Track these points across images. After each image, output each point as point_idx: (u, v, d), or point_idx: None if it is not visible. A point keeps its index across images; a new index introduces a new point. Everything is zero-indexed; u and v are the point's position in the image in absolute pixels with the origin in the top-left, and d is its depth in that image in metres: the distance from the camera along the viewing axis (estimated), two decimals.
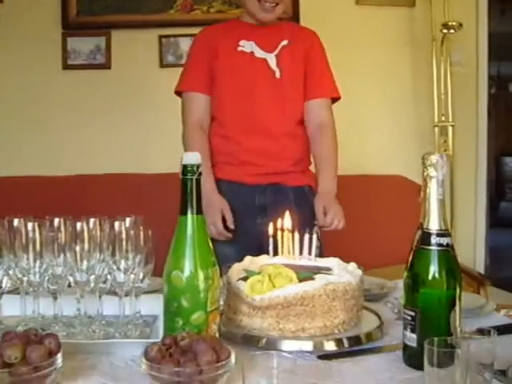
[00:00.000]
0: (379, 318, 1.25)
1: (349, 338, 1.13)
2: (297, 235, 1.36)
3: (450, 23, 3.04)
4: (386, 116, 3.29)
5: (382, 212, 2.94)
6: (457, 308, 1.02)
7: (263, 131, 2.05)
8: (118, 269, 1.16)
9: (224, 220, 1.98)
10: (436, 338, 0.88)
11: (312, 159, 2.16)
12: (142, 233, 1.17)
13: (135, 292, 1.19)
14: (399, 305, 1.29)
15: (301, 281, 1.15)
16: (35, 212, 1.18)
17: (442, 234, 1.02)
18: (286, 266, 1.22)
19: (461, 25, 3.03)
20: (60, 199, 2.72)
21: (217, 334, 1.05)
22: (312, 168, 2.17)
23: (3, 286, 1.20)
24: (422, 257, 1.03)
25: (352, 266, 1.28)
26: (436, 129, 3.21)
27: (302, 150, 2.13)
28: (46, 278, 1.16)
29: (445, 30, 3.07)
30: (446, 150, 3.16)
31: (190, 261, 1.02)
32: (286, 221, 1.35)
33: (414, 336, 1.02)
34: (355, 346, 1.13)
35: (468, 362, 0.86)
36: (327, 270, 1.25)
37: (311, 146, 2.13)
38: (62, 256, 1.15)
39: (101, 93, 3.22)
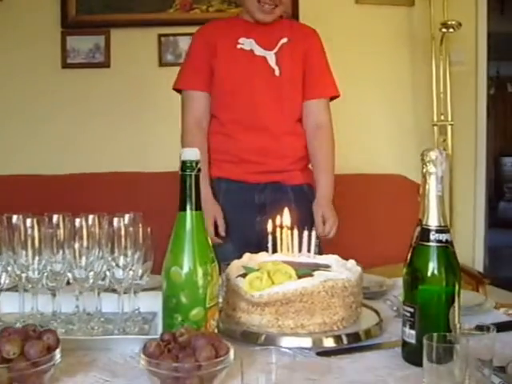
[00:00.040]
0: (378, 315, 1.25)
1: (348, 335, 1.13)
2: (296, 233, 1.36)
3: (449, 22, 3.04)
4: (385, 115, 3.29)
5: (381, 211, 2.94)
6: (456, 304, 1.02)
7: (262, 129, 2.05)
8: (117, 265, 1.16)
9: (216, 226, 2.01)
10: (435, 334, 0.88)
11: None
12: (140, 230, 1.16)
13: (134, 289, 1.19)
14: (398, 302, 1.29)
15: (300, 277, 1.15)
16: (34, 210, 1.18)
17: (441, 230, 1.02)
18: (285, 262, 1.21)
19: (460, 24, 3.03)
20: (59, 198, 2.72)
21: (215, 330, 1.05)
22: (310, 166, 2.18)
23: (2, 282, 1.19)
24: (421, 253, 1.03)
25: (351, 262, 1.28)
26: (435, 128, 3.21)
27: (301, 148, 2.13)
28: (45, 274, 1.16)
29: (444, 29, 3.06)
30: (445, 150, 3.16)
31: (189, 257, 1.02)
32: (285, 218, 1.35)
33: (413, 332, 1.02)
34: (354, 343, 1.13)
35: (467, 358, 0.86)
36: (326, 267, 1.25)
37: (308, 145, 2.13)
38: (60, 253, 1.15)
39: (100, 92, 3.22)
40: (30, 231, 1.14)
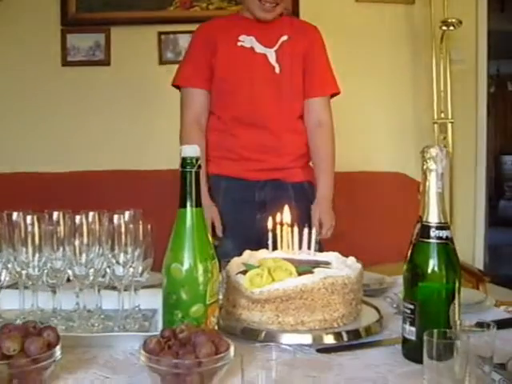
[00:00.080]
0: (378, 312, 1.25)
1: (348, 332, 1.13)
2: (296, 230, 1.35)
3: (449, 20, 3.04)
4: (386, 113, 3.29)
5: (381, 209, 2.94)
6: (456, 301, 1.01)
7: (263, 127, 2.05)
8: (117, 262, 1.16)
9: (213, 226, 2.02)
10: (435, 331, 0.88)
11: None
12: (141, 227, 1.16)
13: (134, 286, 1.19)
14: (398, 300, 1.29)
15: (300, 274, 1.15)
16: (34, 208, 1.18)
17: (441, 226, 1.02)
18: (286, 260, 1.21)
19: (460, 22, 3.03)
20: (59, 195, 2.72)
21: (216, 327, 1.05)
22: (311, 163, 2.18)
23: (2, 279, 1.19)
24: (422, 250, 1.03)
25: (351, 259, 1.28)
26: (435, 126, 3.21)
27: (302, 145, 2.14)
28: (45, 271, 1.16)
29: (444, 27, 3.06)
30: (445, 147, 3.16)
31: (190, 253, 1.02)
32: (286, 215, 1.35)
33: (413, 329, 1.02)
34: (354, 340, 1.13)
35: (467, 355, 0.86)
36: (326, 264, 1.25)
37: (309, 143, 2.14)
38: (60, 250, 1.15)
39: (100, 89, 3.22)
40: (30, 228, 1.14)
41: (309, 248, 1.35)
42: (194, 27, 2.22)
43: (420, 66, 3.26)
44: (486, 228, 3.54)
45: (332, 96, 2.17)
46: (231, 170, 2.08)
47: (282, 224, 1.35)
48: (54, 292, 1.18)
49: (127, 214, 1.19)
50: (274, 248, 1.35)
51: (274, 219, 1.35)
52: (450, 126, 3.21)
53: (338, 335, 1.13)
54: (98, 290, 1.19)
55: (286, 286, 1.12)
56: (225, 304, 1.21)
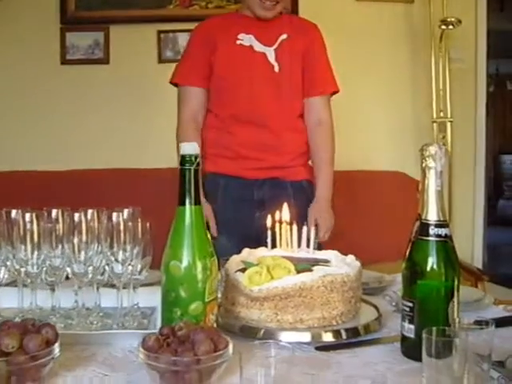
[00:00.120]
0: (377, 310, 1.25)
1: (347, 330, 1.13)
2: (295, 228, 1.35)
3: (448, 19, 3.03)
4: (385, 112, 3.29)
5: (380, 208, 2.94)
6: (455, 299, 1.02)
7: (262, 125, 2.05)
8: (116, 260, 1.16)
9: (208, 226, 2.02)
10: (434, 328, 0.88)
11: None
12: (139, 224, 1.16)
13: (133, 284, 1.19)
14: (397, 298, 1.29)
15: (299, 272, 1.15)
16: (33, 207, 1.18)
17: (440, 224, 1.02)
18: (285, 258, 1.21)
19: (460, 21, 3.03)
20: (58, 194, 2.71)
21: (214, 325, 1.05)
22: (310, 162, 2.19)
23: (1, 277, 1.19)
24: (421, 248, 1.03)
25: (350, 258, 1.28)
26: (434, 125, 3.21)
27: (302, 144, 2.14)
28: (44, 269, 1.16)
29: (443, 26, 3.06)
30: (444, 145, 3.16)
31: (188, 251, 1.02)
32: (285, 213, 1.35)
33: (412, 327, 1.02)
34: (353, 338, 1.13)
35: (466, 353, 0.86)
36: (325, 262, 1.25)
37: (309, 142, 2.14)
38: (59, 247, 1.15)
39: (99, 88, 3.22)
40: (29, 226, 1.14)
41: (308, 246, 1.35)
42: (193, 26, 2.22)
43: (419, 64, 3.26)
44: (485, 227, 3.54)
45: (332, 94, 2.17)
46: (229, 168, 2.08)
47: (280, 222, 1.35)
48: (53, 290, 1.18)
49: (126, 211, 1.19)
50: (273, 246, 1.35)
51: (272, 217, 1.35)
52: (449, 125, 3.20)
53: (336, 333, 1.13)
54: (97, 288, 1.19)
55: (284, 284, 1.12)
56: (223, 302, 1.21)
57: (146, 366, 0.90)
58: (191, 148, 1.03)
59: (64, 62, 3.21)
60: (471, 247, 3.40)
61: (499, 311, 1.33)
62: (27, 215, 1.15)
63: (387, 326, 1.21)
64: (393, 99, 3.29)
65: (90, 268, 1.16)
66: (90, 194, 2.74)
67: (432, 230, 1.02)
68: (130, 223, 1.16)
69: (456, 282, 1.02)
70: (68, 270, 1.16)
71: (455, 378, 0.85)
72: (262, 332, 1.11)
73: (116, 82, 3.21)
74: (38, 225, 1.15)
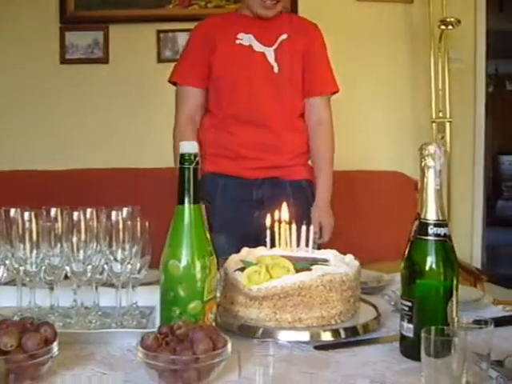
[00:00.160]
0: (376, 309, 1.25)
1: (345, 329, 1.13)
2: (294, 227, 1.35)
3: (448, 19, 3.03)
4: (384, 112, 3.29)
5: (379, 208, 2.94)
6: (454, 299, 1.02)
7: (261, 125, 2.05)
8: (115, 259, 1.16)
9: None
10: (433, 327, 0.88)
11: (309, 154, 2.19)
12: (138, 223, 1.16)
13: (132, 283, 1.19)
14: (396, 297, 1.28)
15: (298, 271, 1.15)
16: (32, 206, 1.18)
17: (439, 224, 1.02)
18: (283, 257, 1.21)
19: (459, 21, 3.02)
20: (57, 193, 2.70)
21: (213, 324, 1.05)
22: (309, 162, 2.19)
23: (0, 275, 1.19)
24: (419, 247, 1.03)
25: (349, 257, 1.28)
26: (434, 125, 3.21)
27: (302, 144, 2.14)
28: (43, 268, 1.16)
29: (443, 27, 3.06)
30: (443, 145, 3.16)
31: (187, 250, 1.02)
32: (284, 212, 1.35)
33: (411, 326, 1.02)
34: (352, 337, 1.13)
35: (465, 352, 0.86)
36: (324, 261, 1.25)
37: (310, 142, 2.15)
38: (58, 246, 1.15)
39: (98, 87, 3.22)
40: (27, 224, 1.14)
41: (307, 245, 1.35)
42: (192, 25, 2.21)
43: (418, 64, 3.26)
44: (484, 228, 3.54)
45: (332, 94, 2.17)
46: (228, 168, 2.08)
47: (280, 222, 1.35)
48: (52, 289, 1.18)
49: (125, 210, 1.19)
50: (272, 245, 1.35)
51: (272, 217, 1.35)
52: (448, 125, 3.20)
53: (335, 332, 1.13)
54: (96, 287, 1.19)
55: (283, 283, 1.12)
56: (222, 301, 1.21)
57: (144, 364, 0.90)
58: (190, 147, 1.03)
59: (63, 61, 3.22)
60: (470, 248, 3.40)
61: (498, 311, 1.33)
62: (26, 214, 1.15)
63: (386, 325, 1.21)
64: (392, 99, 3.29)
65: (89, 267, 1.16)
66: (89, 193, 2.74)
67: (431, 230, 1.01)
68: (128, 222, 1.16)
69: (455, 282, 1.02)
70: (67, 268, 1.16)
71: (454, 378, 0.85)
72: (261, 331, 1.11)
73: (115, 82, 3.21)
74: (37, 224, 1.15)
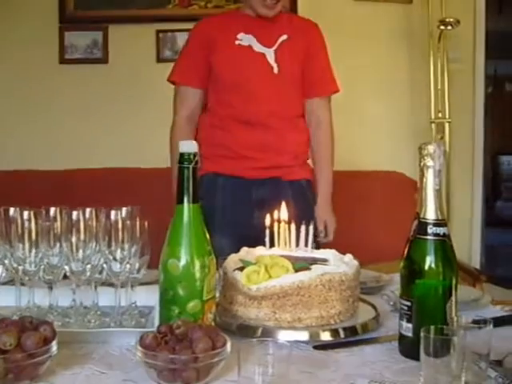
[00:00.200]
0: (375, 309, 1.25)
1: (345, 329, 1.14)
2: (293, 227, 1.35)
3: (447, 19, 3.03)
4: (383, 112, 3.29)
5: (378, 208, 2.95)
6: (453, 298, 1.02)
7: (261, 125, 2.05)
8: (114, 259, 1.16)
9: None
10: (432, 327, 0.88)
11: (309, 154, 2.19)
12: (138, 223, 1.16)
13: (131, 282, 1.19)
14: (395, 297, 1.28)
15: (297, 271, 1.15)
16: (32, 206, 1.18)
17: (438, 223, 1.02)
18: (283, 256, 1.21)
19: (458, 21, 3.02)
20: (57, 194, 2.70)
21: (212, 323, 1.05)
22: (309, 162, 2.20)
23: None
24: (419, 246, 1.03)
25: (348, 257, 1.28)
26: (433, 125, 3.21)
27: (301, 144, 2.15)
28: (42, 267, 1.16)
29: (442, 27, 3.06)
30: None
31: (187, 249, 1.02)
32: (283, 212, 1.35)
33: (410, 326, 1.02)
34: (351, 337, 1.13)
35: (464, 352, 0.86)
36: (323, 261, 1.25)
37: (310, 142, 2.16)
38: (57, 246, 1.15)
39: (98, 87, 3.22)
40: (26, 224, 1.14)
41: (306, 245, 1.35)
42: (192, 25, 2.21)
43: (417, 65, 3.26)
44: (483, 228, 3.54)
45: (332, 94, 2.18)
46: (228, 168, 2.07)
47: (279, 221, 1.35)
48: (51, 288, 1.18)
49: (124, 210, 1.19)
50: (272, 245, 1.35)
51: (271, 216, 1.35)
52: (447, 125, 3.21)
53: (334, 332, 1.13)
54: (95, 287, 1.18)
55: (282, 283, 1.12)
56: (221, 301, 1.21)
57: (143, 364, 0.90)
58: (190, 146, 1.03)
59: (63, 61, 3.22)
60: (469, 248, 3.40)
61: (497, 311, 1.33)
62: (25, 213, 1.15)
63: (385, 325, 1.21)
64: (391, 99, 3.29)
65: (88, 266, 1.16)
66: (88, 193, 2.74)
67: (430, 229, 1.02)
68: (128, 222, 1.16)
69: (454, 281, 1.02)
70: (66, 268, 1.16)
71: (453, 377, 0.85)
72: (260, 331, 1.11)
73: (115, 82, 3.21)
74: (36, 223, 1.15)
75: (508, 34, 5.42)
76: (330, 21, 2.95)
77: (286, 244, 1.34)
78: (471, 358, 0.88)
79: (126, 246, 1.16)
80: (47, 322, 0.95)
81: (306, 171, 2.16)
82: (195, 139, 2.04)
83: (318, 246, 1.47)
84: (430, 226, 1.02)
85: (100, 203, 1.20)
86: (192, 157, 1.02)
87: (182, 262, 1.01)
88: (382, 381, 0.93)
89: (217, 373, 0.91)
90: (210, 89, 2.09)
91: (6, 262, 1.16)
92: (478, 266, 3.34)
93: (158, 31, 3.20)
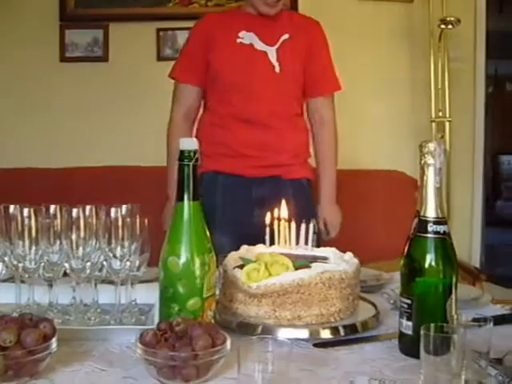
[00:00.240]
0: (375, 307, 1.25)
1: (345, 327, 1.14)
2: (293, 225, 1.35)
3: (448, 19, 3.03)
4: (384, 111, 3.28)
5: (379, 207, 2.95)
6: (453, 296, 1.02)
7: (262, 124, 2.05)
8: (114, 256, 1.16)
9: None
10: (432, 325, 0.88)
11: (312, 153, 2.20)
12: (138, 220, 1.16)
13: (131, 280, 1.19)
14: (395, 295, 1.28)
15: (297, 269, 1.15)
16: (31, 204, 1.18)
17: (438, 221, 1.02)
18: (283, 254, 1.21)
19: (459, 20, 3.02)
20: (56, 192, 2.71)
21: (212, 321, 1.05)
22: (311, 161, 2.20)
23: None
24: (419, 244, 1.03)
25: (348, 255, 1.28)
26: (433, 124, 3.21)
27: (302, 143, 2.15)
28: (42, 265, 1.16)
29: (443, 26, 3.05)
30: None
31: (187, 247, 1.02)
32: (283, 210, 1.35)
33: (410, 324, 1.02)
34: (351, 335, 1.13)
35: (464, 350, 0.86)
36: (323, 259, 1.25)
37: (313, 142, 2.16)
38: (57, 243, 1.15)
39: (98, 86, 3.22)
40: (26, 221, 1.14)
41: (306, 243, 1.35)
42: (192, 24, 2.21)
43: (418, 64, 3.26)
44: (483, 228, 3.53)
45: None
46: (228, 166, 2.08)
47: (279, 219, 1.35)
48: (51, 286, 1.18)
49: (124, 207, 1.19)
50: (272, 243, 1.35)
51: (271, 214, 1.35)
52: (447, 124, 3.20)
53: (334, 330, 1.13)
54: (95, 284, 1.18)
55: (282, 281, 1.12)
56: (221, 298, 1.21)
57: (143, 361, 0.90)
58: (190, 143, 1.02)
59: (63, 59, 3.21)
60: (469, 247, 3.40)
61: (497, 309, 1.33)
62: (25, 211, 1.15)
63: (385, 323, 1.21)
64: (391, 98, 3.29)
65: (88, 264, 1.16)
66: (88, 191, 2.73)
67: (430, 227, 1.02)
68: (128, 219, 1.16)
69: (454, 279, 1.02)
70: (66, 265, 1.16)
71: (453, 375, 0.85)
72: (260, 329, 1.11)
73: (115, 80, 3.20)
74: (36, 220, 1.14)
75: (509, 33, 5.42)
76: (330, 19, 2.93)
77: (286, 242, 1.34)
78: (471, 356, 0.88)
79: (126, 244, 1.16)
80: (47, 319, 0.95)
81: (306, 170, 2.16)
82: (195, 137, 2.05)
83: (318, 244, 1.47)
84: (431, 224, 1.02)
85: (100, 201, 1.20)
86: (192, 154, 1.02)
87: (182, 259, 1.01)
88: (382, 379, 0.93)
89: (216, 370, 0.91)
90: (209, 87, 2.09)
91: (6, 259, 1.16)
92: (477, 266, 3.34)
93: (159, 29, 3.20)
